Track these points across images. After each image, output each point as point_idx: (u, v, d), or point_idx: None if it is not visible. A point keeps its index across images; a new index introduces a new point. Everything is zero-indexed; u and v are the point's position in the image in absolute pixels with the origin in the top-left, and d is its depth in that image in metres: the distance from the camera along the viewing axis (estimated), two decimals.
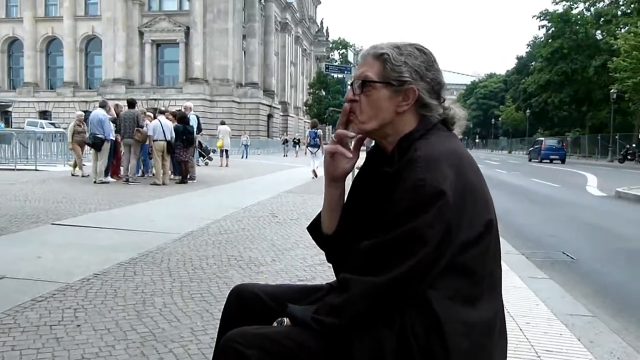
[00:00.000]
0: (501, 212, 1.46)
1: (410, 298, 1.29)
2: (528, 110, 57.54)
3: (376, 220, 1.34)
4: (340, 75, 36.57)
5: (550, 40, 51.00)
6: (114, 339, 2.87)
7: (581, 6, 48.96)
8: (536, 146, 37.48)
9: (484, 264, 1.34)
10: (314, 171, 14.95)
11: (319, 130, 16.68)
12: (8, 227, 5.98)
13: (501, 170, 24.42)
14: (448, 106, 1.47)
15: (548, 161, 34.02)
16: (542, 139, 40.30)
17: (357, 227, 1.49)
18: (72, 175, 13.35)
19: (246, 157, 29.82)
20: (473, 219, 1.31)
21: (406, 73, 1.39)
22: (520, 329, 3.14)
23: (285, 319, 1.43)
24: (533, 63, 59.17)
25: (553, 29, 50.28)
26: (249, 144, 31.28)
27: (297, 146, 37.63)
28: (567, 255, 5.84)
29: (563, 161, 33.64)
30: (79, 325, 3.04)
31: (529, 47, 66.15)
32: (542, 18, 50.38)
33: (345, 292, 1.32)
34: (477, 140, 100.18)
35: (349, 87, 1.50)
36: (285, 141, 38.50)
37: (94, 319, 3.15)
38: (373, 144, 1.60)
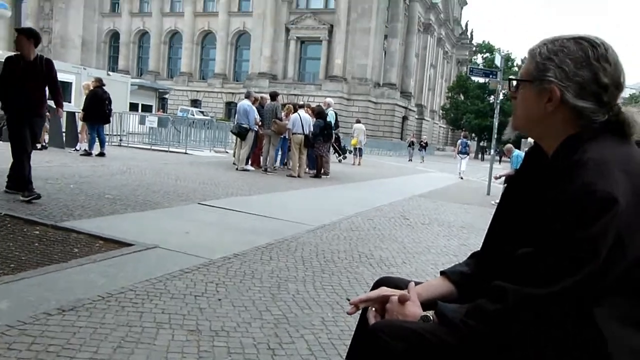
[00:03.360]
0: None
1: (573, 315, 1.19)
2: None
3: (535, 225, 1.24)
4: (482, 80, 35.23)
5: None
6: (250, 316, 3.03)
7: None
8: None
9: None
10: (461, 172, 18.47)
11: (468, 140, 20.75)
12: (162, 202, 6.56)
13: None
14: (620, 110, 1.29)
15: None
16: None
17: (511, 231, 1.41)
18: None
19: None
20: None
21: (550, 72, 1.29)
22: None
23: (430, 315, 1.39)
24: None
25: None
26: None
27: (424, 150, 34.57)
28: None
29: None
30: (220, 300, 3.25)
31: None
32: None
33: (501, 301, 1.23)
34: None
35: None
36: (412, 143, 35.20)
37: (233, 296, 3.35)
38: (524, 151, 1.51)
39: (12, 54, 6.19)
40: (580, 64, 1.27)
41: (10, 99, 5.81)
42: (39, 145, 12.70)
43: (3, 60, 6.07)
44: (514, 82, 1.41)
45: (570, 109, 1.29)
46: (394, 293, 1.49)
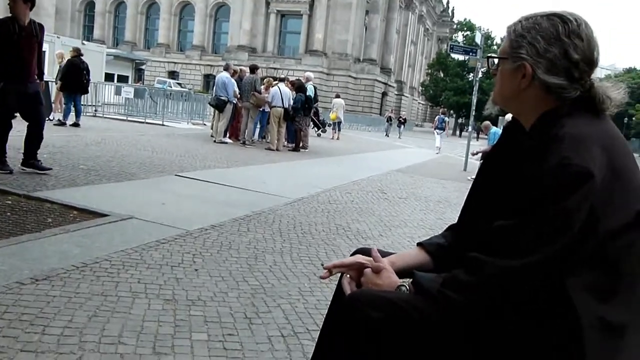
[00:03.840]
0: None
1: (546, 285, 1.21)
2: None
3: (512, 198, 1.26)
4: (462, 58, 35.28)
5: None
6: (227, 286, 3.03)
7: None
8: None
9: (627, 259, 1.21)
10: (438, 147, 19.09)
11: (446, 117, 22.43)
12: (137, 174, 6.47)
13: None
14: (592, 86, 1.29)
15: None
16: None
17: (487, 204, 1.43)
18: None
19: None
20: (621, 207, 1.19)
21: (523, 49, 1.30)
22: None
23: (407, 284, 1.40)
24: None
25: None
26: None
27: (402, 126, 32.73)
28: None
29: None
30: (196, 270, 3.24)
31: None
32: None
33: (476, 273, 1.25)
34: None
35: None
36: (390, 119, 33.96)
37: (210, 266, 3.34)
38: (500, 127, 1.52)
39: (3, 17, 5.91)
40: (550, 40, 1.28)
41: (6, 64, 5.51)
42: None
43: None
44: (495, 60, 1.42)
45: (542, 84, 1.30)
46: (368, 261, 1.50)
